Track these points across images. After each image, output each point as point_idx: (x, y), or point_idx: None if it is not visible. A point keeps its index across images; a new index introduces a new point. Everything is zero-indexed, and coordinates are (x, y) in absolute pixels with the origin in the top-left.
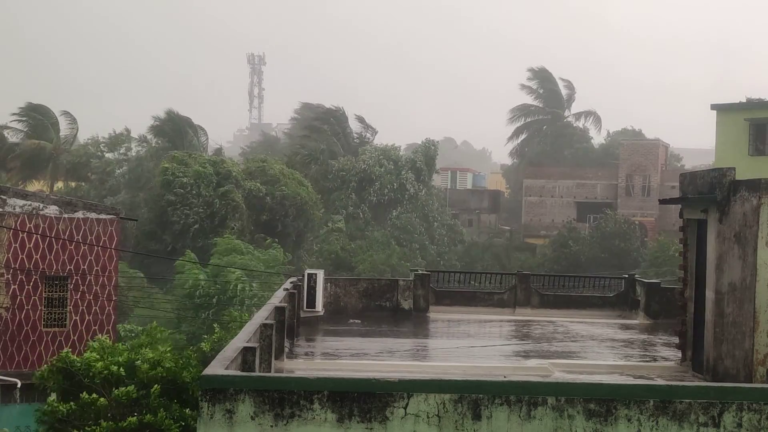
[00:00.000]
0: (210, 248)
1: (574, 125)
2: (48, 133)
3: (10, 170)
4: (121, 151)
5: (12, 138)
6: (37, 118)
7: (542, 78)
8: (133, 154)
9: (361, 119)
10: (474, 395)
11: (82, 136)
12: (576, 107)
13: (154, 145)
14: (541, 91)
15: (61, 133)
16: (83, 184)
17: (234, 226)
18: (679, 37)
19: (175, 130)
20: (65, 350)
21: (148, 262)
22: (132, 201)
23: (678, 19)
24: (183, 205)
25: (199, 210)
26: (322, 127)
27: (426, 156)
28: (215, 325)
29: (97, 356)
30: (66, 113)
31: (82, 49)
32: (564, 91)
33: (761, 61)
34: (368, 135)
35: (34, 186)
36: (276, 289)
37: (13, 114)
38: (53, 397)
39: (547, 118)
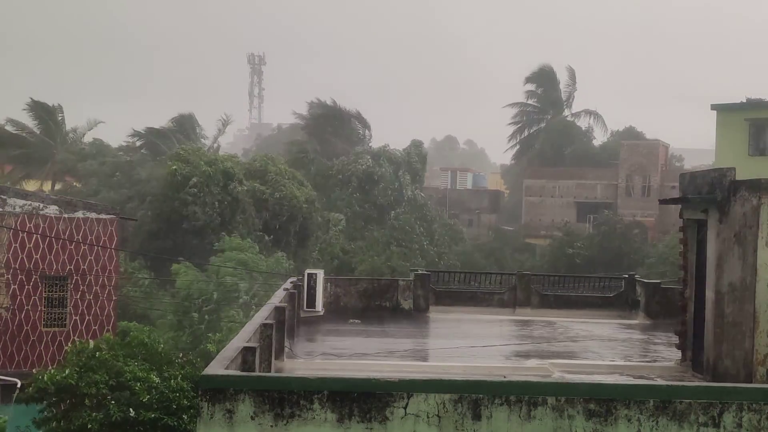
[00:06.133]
0: (214, 249)
1: (575, 124)
2: (50, 131)
3: (10, 165)
4: (108, 156)
5: (14, 132)
6: (40, 115)
7: (542, 77)
8: (123, 158)
9: (361, 119)
10: (474, 395)
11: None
12: (576, 106)
13: (143, 151)
14: (539, 91)
15: (61, 132)
16: (77, 184)
17: (241, 222)
18: (679, 36)
19: (168, 137)
20: (40, 370)
21: (152, 263)
22: (127, 200)
23: (677, 17)
24: (195, 204)
25: (210, 210)
26: (324, 125)
27: (419, 156)
28: (222, 324)
29: (76, 372)
30: (65, 111)
31: (81, 49)
32: (564, 90)
33: (762, 61)
34: (369, 134)
35: (31, 184)
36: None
37: (22, 109)
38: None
39: (547, 117)
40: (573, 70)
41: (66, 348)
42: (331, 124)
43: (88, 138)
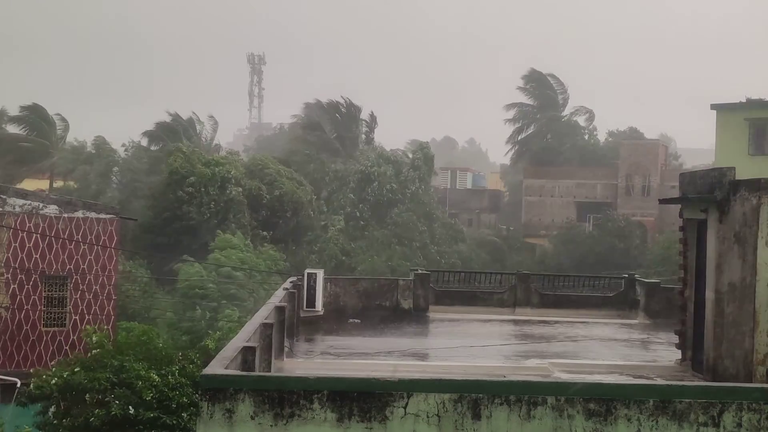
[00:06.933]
0: (210, 247)
1: (575, 122)
2: (45, 133)
3: (6, 165)
4: (107, 157)
5: (11, 132)
6: (35, 118)
7: (540, 77)
8: (122, 156)
9: (371, 118)
10: (474, 395)
11: (79, 137)
12: (573, 105)
13: (149, 148)
14: (538, 91)
15: (57, 133)
16: (75, 184)
17: (234, 221)
18: (679, 36)
19: (176, 132)
20: (40, 369)
21: (149, 260)
22: (125, 200)
23: (677, 17)
24: (190, 204)
25: (206, 209)
26: (326, 124)
27: (424, 155)
28: (222, 321)
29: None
30: (61, 114)
31: (80, 50)
32: (562, 89)
33: (761, 61)
34: (372, 135)
35: (28, 183)
36: (276, 288)
37: (19, 111)
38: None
39: (545, 115)
40: (572, 69)
41: (70, 345)
42: (333, 124)
43: (77, 134)
